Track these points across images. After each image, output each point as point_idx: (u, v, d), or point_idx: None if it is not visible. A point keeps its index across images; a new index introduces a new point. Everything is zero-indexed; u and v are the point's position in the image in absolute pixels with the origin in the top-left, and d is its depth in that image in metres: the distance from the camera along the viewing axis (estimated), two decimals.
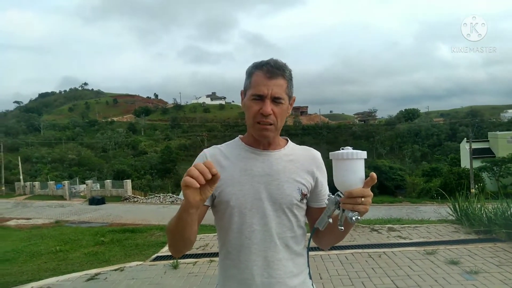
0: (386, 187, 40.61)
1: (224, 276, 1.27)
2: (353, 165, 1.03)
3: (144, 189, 41.08)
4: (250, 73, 1.24)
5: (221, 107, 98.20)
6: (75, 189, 37.84)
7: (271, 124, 1.19)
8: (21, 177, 43.12)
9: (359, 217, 1.02)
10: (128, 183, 37.48)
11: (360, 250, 5.07)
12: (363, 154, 1.04)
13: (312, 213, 1.28)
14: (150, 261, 5.25)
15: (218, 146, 1.33)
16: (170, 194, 36.44)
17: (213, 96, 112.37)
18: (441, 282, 3.78)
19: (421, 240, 5.54)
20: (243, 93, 1.27)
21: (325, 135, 75.37)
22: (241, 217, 1.21)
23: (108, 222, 20.65)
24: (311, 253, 4.31)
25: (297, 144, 1.37)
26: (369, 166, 44.81)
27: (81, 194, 37.12)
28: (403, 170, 45.26)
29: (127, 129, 77.80)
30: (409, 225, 6.66)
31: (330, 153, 1.08)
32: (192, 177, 0.95)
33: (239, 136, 1.35)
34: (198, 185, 0.95)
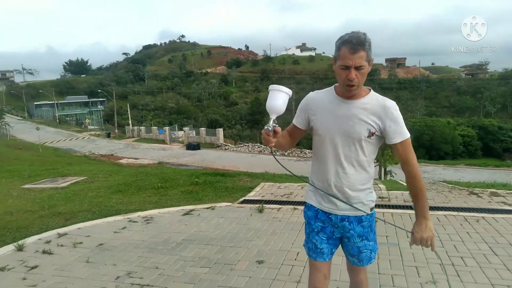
0: (492, 149, 36.29)
1: (313, 171, 1.93)
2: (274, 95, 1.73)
3: (234, 138, 43.07)
4: (338, 47, 1.67)
5: (310, 58, 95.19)
6: (174, 134, 41.34)
7: (354, 85, 1.68)
8: (130, 122, 48.47)
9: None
10: (220, 131, 39.58)
11: (454, 213, 4.71)
12: (284, 89, 1.72)
13: (391, 147, 1.80)
14: (238, 203, 5.61)
15: (320, 91, 1.90)
16: (258, 144, 37.66)
17: (303, 47, 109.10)
18: None
19: None
20: (334, 61, 1.74)
21: (424, 89, 68.84)
22: (324, 142, 1.83)
23: (202, 166, 22.41)
24: (402, 211, 4.11)
25: (390, 97, 1.79)
26: (473, 125, 40.13)
27: (180, 139, 40.44)
28: None
29: (220, 80, 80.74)
30: None
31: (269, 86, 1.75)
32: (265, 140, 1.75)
33: (335, 85, 1.84)
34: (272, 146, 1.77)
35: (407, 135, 1.75)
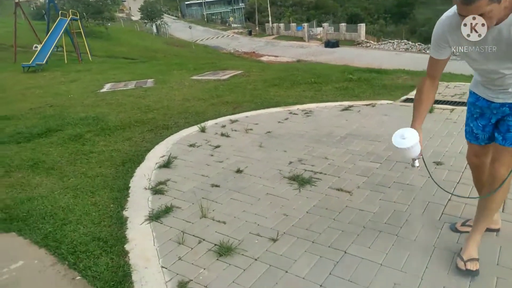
0: None
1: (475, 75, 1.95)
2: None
3: (377, 34, 39.22)
4: None
5: None
6: (312, 31, 39.96)
7: None
8: (269, 19, 48.46)
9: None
10: (362, 27, 36.51)
11: None
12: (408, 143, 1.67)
13: None
14: (400, 101, 5.21)
15: (451, 14, 1.63)
16: (404, 40, 33.79)
17: None
18: None
19: None
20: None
21: None
22: (472, 62, 1.75)
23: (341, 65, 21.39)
24: None
25: None
26: None
27: (318, 36, 39.05)
28: None
29: None
30: None
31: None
32: None
33: None
34: None
35: None
